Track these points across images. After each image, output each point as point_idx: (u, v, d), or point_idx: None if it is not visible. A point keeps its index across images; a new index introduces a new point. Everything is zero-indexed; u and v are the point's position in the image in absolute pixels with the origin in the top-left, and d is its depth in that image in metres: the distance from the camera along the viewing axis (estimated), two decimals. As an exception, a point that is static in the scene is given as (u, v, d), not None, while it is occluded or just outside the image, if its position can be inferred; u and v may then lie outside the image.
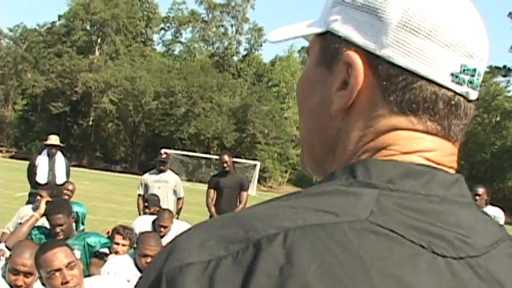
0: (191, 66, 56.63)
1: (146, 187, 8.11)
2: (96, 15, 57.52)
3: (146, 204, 7.13)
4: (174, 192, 8.24)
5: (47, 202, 4.76)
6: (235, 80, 58.30)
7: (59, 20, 61.92)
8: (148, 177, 8.22)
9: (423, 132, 0.66)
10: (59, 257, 3.03)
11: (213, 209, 7.75)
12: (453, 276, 0.57)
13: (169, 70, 56.11)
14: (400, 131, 0.66)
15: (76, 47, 57.80)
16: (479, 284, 0.59)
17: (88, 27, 60.34)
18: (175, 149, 40.41)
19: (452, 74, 0.65)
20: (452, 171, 0.68)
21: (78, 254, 4.34)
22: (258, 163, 39.34)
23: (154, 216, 6.20)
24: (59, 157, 8.31)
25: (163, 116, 53.54)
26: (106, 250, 4.77)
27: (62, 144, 8.53)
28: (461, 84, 0.66)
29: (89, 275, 4.06)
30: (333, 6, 0.71)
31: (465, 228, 0.61)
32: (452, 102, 0.66)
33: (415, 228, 0.58)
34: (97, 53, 59.21)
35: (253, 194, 30.23)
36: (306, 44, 0.77)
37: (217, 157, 36.46)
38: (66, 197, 6.59)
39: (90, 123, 57.75)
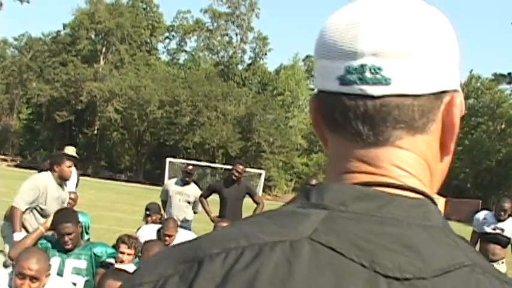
0: (196, 75, 56.74)
1: (167, 193, 8.21)
2: (101, 24, 57.77)
3: (148, 212, 7.13)
4: (193, 204, 8.22)
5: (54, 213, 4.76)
6: (240, 88, 58.35)
7: (63, 29, 62.28)
8: (171, 186, 8.26)
9: (349, 146, 0.69)
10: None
11: (204, 202, 7.94)
12: None
13: (174, 79, 56.24)
14: (340, 151, 0.71)
15: (81, 56, 58.00)
16: None
17: (93, 36, 60.56)
18: (180, 158, 40.39)
19: (339, 79, 0.67)
20: (403, 181, 0.68)
21: (84, 263, 4.34)
22: (263, 172, 39.30)
23: (159, 226, 6.20)
24: (73, 169, 8.28)
25: (168, 125, 53.59)
26: (112, 260, 4.76)
27: (77, 156, 8.53)
28: (349, 84, 0.67)
29: (95, 285, 4.04)
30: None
31: (418, 251, 0.60)
32: (351, 106, 0.68)
33: (358, 248, 0.59)
34: (102, 62, 59.42)
35: (258, 202, 30.07)
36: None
37: (222, 166, 36.42)
38: (69, 205, 6.57)
39: (95, 132, 57.89)
